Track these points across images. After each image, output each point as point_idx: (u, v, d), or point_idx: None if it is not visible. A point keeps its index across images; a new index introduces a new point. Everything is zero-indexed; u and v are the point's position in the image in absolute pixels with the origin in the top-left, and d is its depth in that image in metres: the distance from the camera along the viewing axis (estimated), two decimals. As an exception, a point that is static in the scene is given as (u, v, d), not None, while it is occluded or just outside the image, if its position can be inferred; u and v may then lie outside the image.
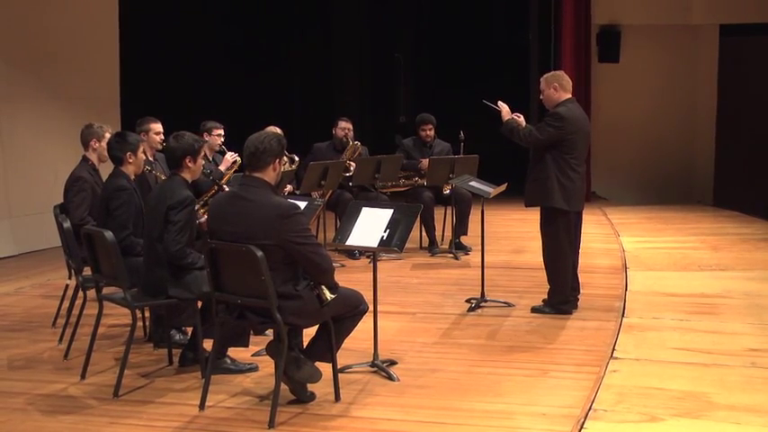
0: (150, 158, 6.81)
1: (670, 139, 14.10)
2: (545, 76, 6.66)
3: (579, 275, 6.81)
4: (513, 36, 17.91)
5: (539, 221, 6.68)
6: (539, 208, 6.65)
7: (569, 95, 6.56)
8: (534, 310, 6.72)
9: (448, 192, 9.27)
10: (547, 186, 6.42)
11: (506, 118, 6.68)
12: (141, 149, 5.91)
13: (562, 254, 6.56)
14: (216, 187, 6.94)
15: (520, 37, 17.09)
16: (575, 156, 6.47)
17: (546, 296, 6.75)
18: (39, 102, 10.28)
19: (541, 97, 6.63)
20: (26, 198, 10.00)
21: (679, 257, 8.91)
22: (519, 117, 6.75)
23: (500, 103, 6.78)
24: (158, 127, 7.09)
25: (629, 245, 9.62)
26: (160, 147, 6.88)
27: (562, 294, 6.63)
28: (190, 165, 5.25)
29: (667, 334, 6.05)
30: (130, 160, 5.82)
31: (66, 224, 6.03)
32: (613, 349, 5.65)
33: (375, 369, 5.26)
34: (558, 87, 6.52)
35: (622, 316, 6.52)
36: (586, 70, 13.87)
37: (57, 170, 8.99)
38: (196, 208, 6.78)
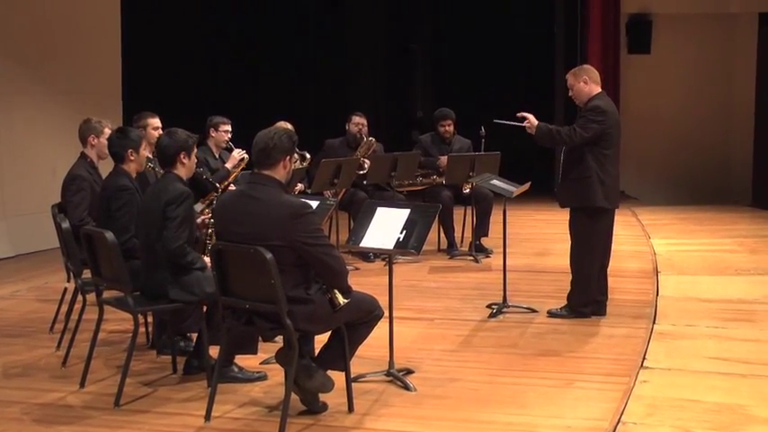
0: (150, 155, 6.82)
1: (705, 134, 14.04)
2: (572, 71, 6.68)
3: (608, 279, 6.80)
4: (537, 26, 17.86)
5: (567, 221, 6.68)
6: (570, 207, 6.65)
7: (599, 89, 6.57)
8: (551, 314, 6.72)
9: (468, 191, 9.26)
10: (587, 185, 6.42)
11: (535, 123, 6.59)
12: (143, 146, 5.92)
13: (593, 255, 6.55)
14: (216, 192, 6.95)
15: (544, 27, 17.04)
16: (613, 151, 6.52)
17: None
18: (36, 96, 10.33)
19: (570, 94, 6.65)
20: (23, 197, 10.05)
21: (714, 261, 8.88)
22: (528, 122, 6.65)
23: (522, 115, 6.66)
24: (156, 122, 7.09)
25: (660, 247, 9.59)
26: None
27: (584, 296, 6.62)
28: (185, 161, 5.28)
29: (702, 342, 6.03)
30: (132, 158, 5.82)
31: (65, 224, 6.04)
32: (644, 358, 5.63)
33: (391, 378, 5.27)
34: (588, 80, 6.53)
35: (653, 323, 6.51)
36: (615, 62, 13.83)
37: (55, 167, 9.02)
38: (201, 209, 6.82)
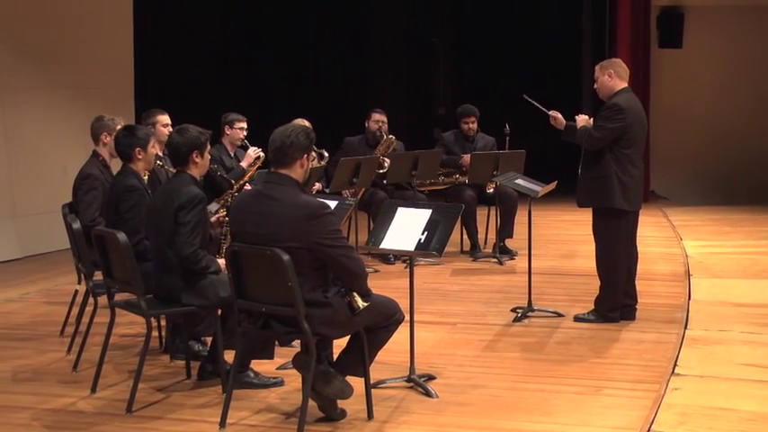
0: (159, 153, 6.84)
1: (739, 132, 13.96)
2: (600, 63, 6.69)
3: (637, 283, 6.79)
4: (564, 20, 17.85)
5: (591, 223, 6.67)
6: (586, 207, 6.65)
7: (625, 84, 6.56)
8: (578, 319, 6.72)
9: (492, 190, 9.25)
10: (606, 185, 6.41)
11: (562, 123, 6.77)
12: (152, 144, 5.94)
13: (618, 258, 6.54)
14: (231, 191, 6.97)
15: (571, 21, 17.03)
16: (634, 150, 6.49)
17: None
18: (46, 92, 10.38)
19: (595, 86, 6.66)
20: (32, 196, 10.11)
21: (749, 264, 8.83)
22: (557, 115, 6.86)
23: (553, 112, 6.86)
24: (166, 119, 7.11)
25: (692, 249, 9.55)
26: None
27: (612, 301, 6.61)
28: (197, 160, 5.27)
29: (736, 348, 6.00)
30: (140, 156, 5.84)
31: (76, 225, 6.07)
32: (675, 365, 5.61)
33: (411, 384, 5.27)
34: (612, 74, 6.52)
35: (685, 328, 6.48)
36: (645, 57, 13.78)
37: (65, 166, 9.08)
38: (215, 209, 6.84)
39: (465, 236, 9.54)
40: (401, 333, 4.97)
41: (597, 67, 6.65)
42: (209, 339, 5.66)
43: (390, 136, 9.48)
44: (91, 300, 6.08)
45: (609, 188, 6.42)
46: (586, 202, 6.64)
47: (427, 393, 5.15)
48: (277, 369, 5.52)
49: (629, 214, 6.57)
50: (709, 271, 8.49)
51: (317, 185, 8.61)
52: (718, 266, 8.70)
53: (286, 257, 4.37)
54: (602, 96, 6.64)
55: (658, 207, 12.90)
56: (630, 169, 6.46)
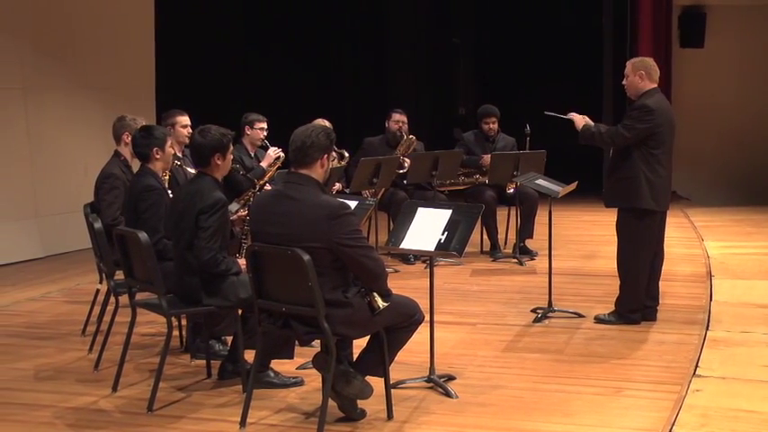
0: (178, 153, 6.87)
1: (761, 131, 13.87)
2: (632, 60, 6.66)
3: (659, 286, 6.76)
4: (585, 19, 17.78)
5: (615, 222, 6.65)
6: (615, 208, 6.63)
7: (654, 85, 6.53)
8: (598, 319, 6.70)
9: (512, 191, 9.24)
10: (634, 185, 6.39)
11: (581, 125, 6.71)
12: (169, 144, 5.96)
13: (641, 258, 6.52)
14: (254, 189, 7.00)
15: (592, 20, 16.94)
16: (663, 150, 6.47)
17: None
18: (68, 92, 10.44)
19: (624, 83, 6.63)
20: (54, 196, 10.16)
21: (771, 265, 8.80)
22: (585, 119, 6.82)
23: (571, 114, 6.82)
24: (185, 119, 7.13)
25: (714, 250, 9.50)
26: (187, 140, 6.91)
27: (633, 303, 6.59)
28: (218, 162, 5.26)
29: (758, 350, 5.97)
30: (157, 156, 5.86)
31: (97, 224, 6.10)
32: (696, 366, 5.59)
33: (431, 385, 5.27)
34: (643, 75, 6.50)
35: (706, 329, 6.45)
36: (667, 57, 13.70)
37: (87, 166, 9.13)
38: (236, 209, 6.86)
39: (485, 236, 9.53)
40: (421, 333, 4.97)
41: (629, 64, 6.60)
42: (229, 339, 5.68)
43: (411, 136, 9.48)
44: (112, 299, 6.12)
45: (637, 188, 6.40)
46: (614, 202, 6.62)
47: (447, 394, 5.15)
48: (297, 369, 5.53)
49: (657, 214, 6.55)
50: (730, 272, 8.45)
51: (338, 185, 8.62)
52: (740, 267, 8.66)
53: (306, 257, 4.37)
54: (629, 94, 6.63)
55: (680, 207, 12.83)
56: (659, 169, 6.45)
